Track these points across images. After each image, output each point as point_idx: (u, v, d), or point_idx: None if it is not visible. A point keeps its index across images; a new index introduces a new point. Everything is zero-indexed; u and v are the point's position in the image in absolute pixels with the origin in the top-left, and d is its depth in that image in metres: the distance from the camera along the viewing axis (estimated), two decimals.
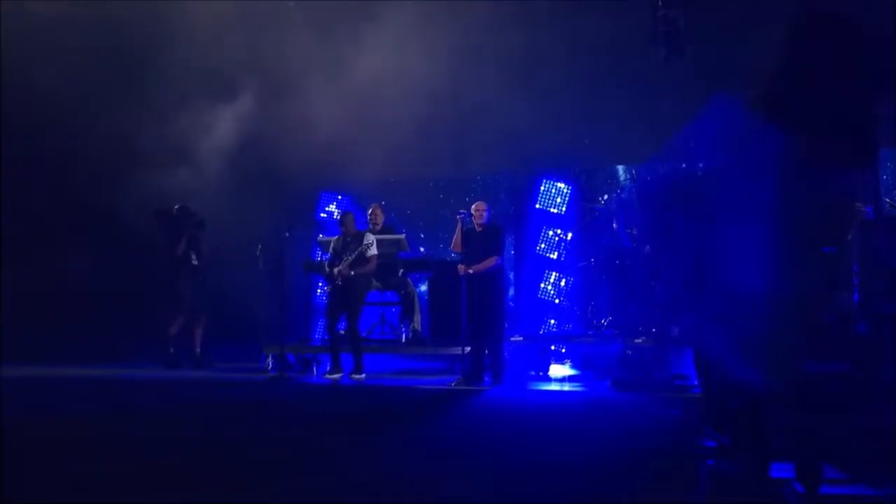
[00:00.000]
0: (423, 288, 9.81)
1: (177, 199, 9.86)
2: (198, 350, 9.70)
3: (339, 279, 8.24)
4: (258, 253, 9.08)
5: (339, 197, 11.01)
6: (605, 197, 10.07)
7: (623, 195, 9.90)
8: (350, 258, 8.21)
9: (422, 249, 11.12)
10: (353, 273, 8.21)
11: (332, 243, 8.62)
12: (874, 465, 3.60)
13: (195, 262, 9.70)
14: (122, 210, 10.01)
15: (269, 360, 9.04)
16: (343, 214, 8.59)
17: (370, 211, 9.41)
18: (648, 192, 7.22)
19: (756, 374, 3.66)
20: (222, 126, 10.30)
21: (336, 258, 8.40)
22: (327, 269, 8.40)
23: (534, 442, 5.00)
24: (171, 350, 9.53)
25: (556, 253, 9.96)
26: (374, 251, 8.32)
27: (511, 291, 10.09)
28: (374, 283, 9.02)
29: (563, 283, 9.80)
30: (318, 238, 9.91)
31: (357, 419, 6.03)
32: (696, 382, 6.87)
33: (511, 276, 10.24)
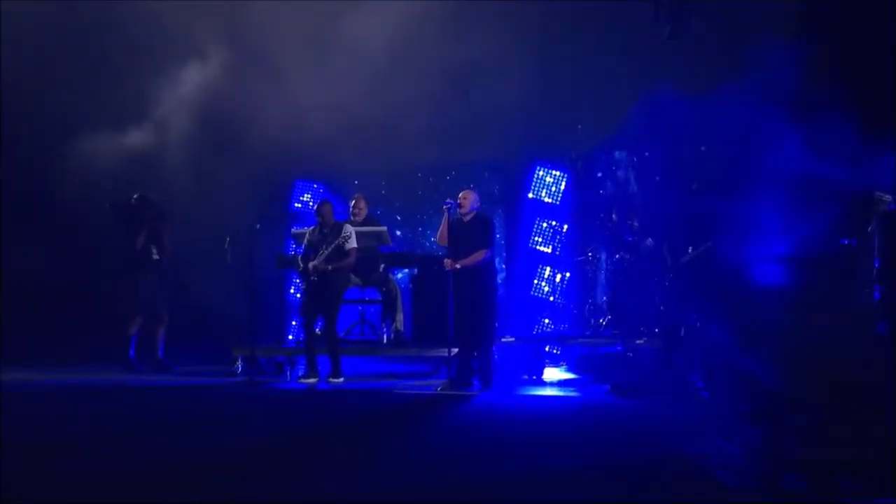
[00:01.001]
0: (402, 278, 9.76)
1: (135, 189, 9.74)
2: (159, 353, 9.61)
3: (315, 275, 8.18)
4: (226, 246, 9.01)
5: (316, 185, 10.95)
6: (605, 185, 10.07)
7: (623, 183, 9.90)
8: (326, 252, 8.15)
9: (398, 233, 11.08)
10: (329, 268, 8.15)
11: (306, 235, 8.55)
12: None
13: (156, 257, 9.60)
14: (75, 200, 9.89)
15: (239, 364, 8.98)
16: (320, 204, 8.53)
17: (353, 201, 9.36)
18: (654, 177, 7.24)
19: (771, 376, 3.65)
20: (186, 102, 10.16)
21: (311, 251, 8.34)
22: (301, 264, 8.34)
23: (526, 452, 4.97)
24: (130, 353, 9.44)
25: (550, 246, 9.93)
26: (353, 244, 8.26)
27: (501, 287, 10.06)
28: (354, 279, 8.97)
29: (558, 280, 9.78)
30: (292, 231, 9.85)
31: (334, 427, 5.99)
32: (702, 386, 6.90)
33: (502, 271, 10.21)
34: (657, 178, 9.52)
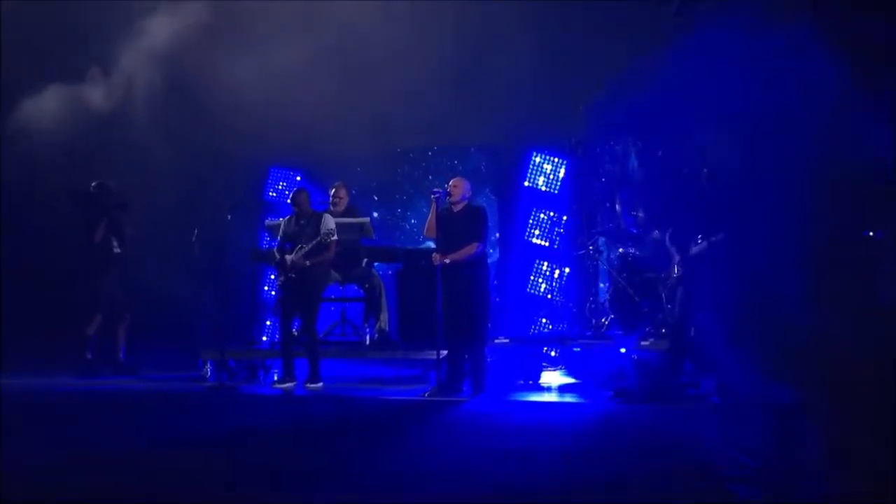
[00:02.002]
0: (386, 273, 9.73)
1: (94, 176, 9.64)
2: (120, 355, 9.59)
3: (293, 270, 8.13)
4: (194, 239, 8.98)
5: (292, 173, 10.90)
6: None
7: (628, 171, 9.89)
8: (307, 248, 8.10)
9: (375, 214, 11.06)
10: (308, 263, 8.10)
11: (281, 226, 8.50)
12: None
13: (117, 251, 9.56)
14: (20, 185, 9.79)
15: (208, 367, 8.95)
16: (296, 192, 8.49)
17: (333, 190, 9.34)
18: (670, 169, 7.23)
19: (791, 380, 3.64)
20: (147, 76, 10.06)
21: (287, 244, 8.28)
22: (277, 258, 8.28)
23: (521, 463, 4.95)
24: (89, 355, 9.39)
25: (548, 239, 9.93)
26: (334, 237, 8.23)
27: (495, 283, 10.04)
28: (334, 274, 8.94)
29: (556, 276, 9.77)
30: (266, 222, 9.81)
31: (312, 437, 5.96)
32: (712, 391, 6.90)
33: (495, 266, 10.20)
34: (664, 165, 9.51)
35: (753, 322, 4.09)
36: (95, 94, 10.16)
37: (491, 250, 9.91)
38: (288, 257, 8.18)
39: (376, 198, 11.38)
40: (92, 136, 9.91)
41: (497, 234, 10.46)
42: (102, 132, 9.96)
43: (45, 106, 10.05)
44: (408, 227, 11.35)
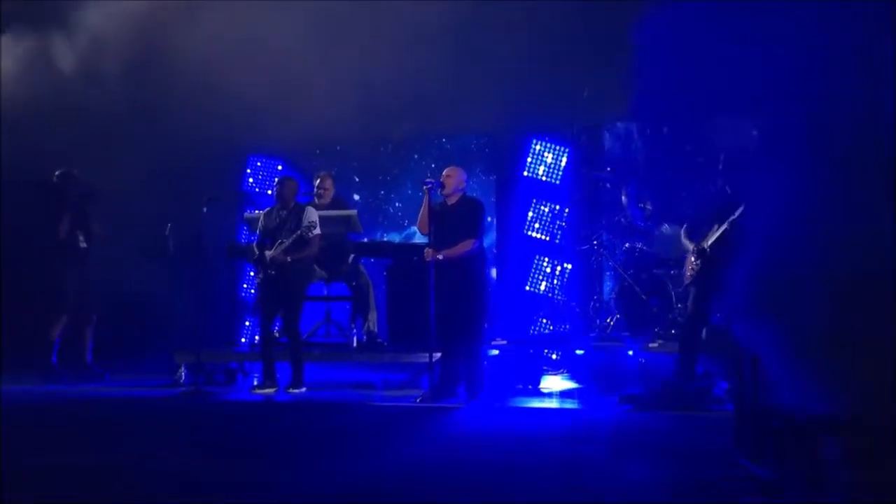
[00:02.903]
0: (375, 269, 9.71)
1: (57, 164, 9.60)
2: (87, 358, 9.54)
3: (272, 267, 8.11)
4: (167, 233, 8.96)
5: (272, 162, 10.88)
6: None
7: (635, 160, 9.90)
8: (287, 243, 8.08)
9: (357, 197, 11.04)
10: (289, 259, 8.08)
11: (260, 219, 8.47)
12: None
13: (83, 246, 9.51)
14: None
15: (182, 371, 8.94)
16: (280, 181, 8.46)
17: (317, 180, 9.33)
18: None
19: (815, 385, 3.62)
20: (114, 47, 9.98)
21: (267, 238, 8.26)
22: (256, 253, 8.26)
23: (520, 473, 4.94)
24: (52, 358, 9.35)
25: (548, 234, 9.92)
26: (317, 231, 8.21)
27: (492, 281, 10.04)
28: (318, 271, 8.93)
29: (558, 273, 9.77)
30: (245, 214, 9.80)
31: (295, 445, 5.95)
32: (725, 397, 6.90)
33: (492, 262, 10.19)
34: (675, 153, 9.51)
35: (774, 321, 4.06)
36: (57, 54, 10.06)
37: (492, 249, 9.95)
38: (267, 253, 8.15)
39: (357, 179, 11.36)
40: (53, 116, 9.81)
41: (494, 231, 10.44)
42: (63, 108, 9.85)
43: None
44: (392, 210, 11.33)
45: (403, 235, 11.15)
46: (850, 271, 3.74)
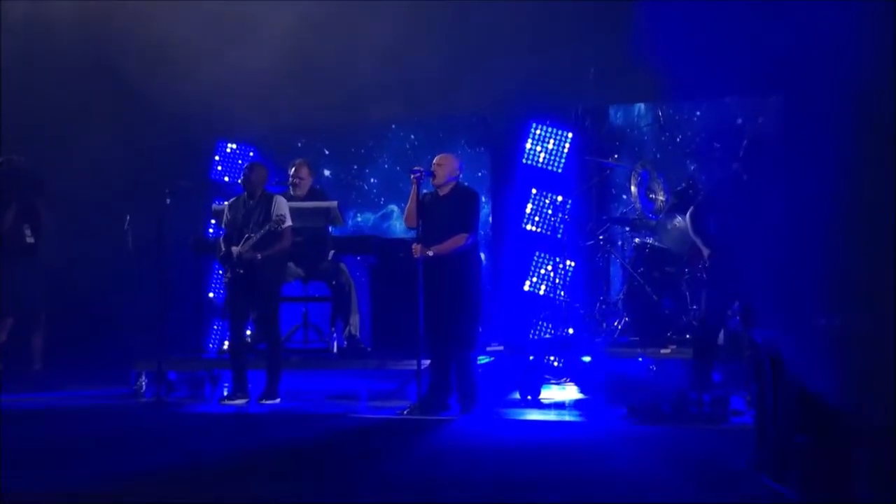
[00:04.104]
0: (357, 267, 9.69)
1: None
2: (37, 365, 9.55)
3: (241, 265, 8.09)
4: (126, 227, 8.93)
5: (241, 147, 10.85)
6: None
7: (646, 145, 9.91)
8: (255, 237, 8.06)
9: (327, 173, 11.02)
10: (259, 256, 8.07)
11: (225, 210, 8.44)
12: None
13: (30, 241, 9.52)
14: None
15: (143, 380, 8.94)
16: (248, 168, 8.44)
17: (293, 168, 9.33)
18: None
19: (841, 397, 3.63)
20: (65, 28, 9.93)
21: (234, 232, 8.24)
22: (223, 249, 8.24)
23: (519, 494, 4.93)
24: None
25: (550, 228, 9.93)
26: (288, 222, 8.19)
27: (487, 280, 10.04)
28: (294, 269, 8.92)
29: (560, 271, 9.78)
30: (214, 206, 9.79)
31: (268, 463, 5.93)
32: (745, 409, 6.92)
33: (488, 259, 10.20)
34: (691, 138, 9.54)
35: (798, 325, 4.07)
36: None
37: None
38: (234, 249, 8.13)
39: (327, 152, 11.34)
40: None
41: (490, 225, 10.45)
42: (6, 88, 9.81)
43: None
44: (366, 187, 11.30)
45: (379, 215, 11.11)
46: (881, 266, 3.75)
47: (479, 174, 10.72)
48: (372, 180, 11.24)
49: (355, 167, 11.29)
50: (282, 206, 8.24)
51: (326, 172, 11.07)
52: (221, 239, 8.40)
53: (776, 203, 6.34)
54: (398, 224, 11.03)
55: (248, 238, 8.11)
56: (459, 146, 10.61)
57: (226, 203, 8.66)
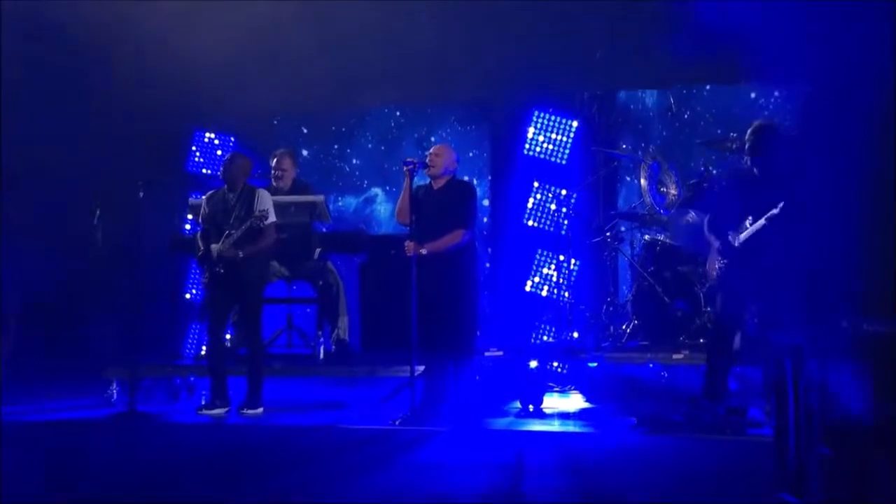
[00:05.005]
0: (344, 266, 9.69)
1: None
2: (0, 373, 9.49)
3: (221, 264, 8.09)
4: (95, 222, 8.91)
5: (220, 137, 10.84)
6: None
7: (656, 135, 9.91)
8: (236, 233, 8.06)
9: (305, 153, 11.00)
10: (240, 255, 8.07)
11: (203, 204, 8.44)
12: None
13: None
14: None
15: (114, 389, 8.92)
16: (228, 159, 8.43)
17: (274, 159, 9.33)
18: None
19: (876, 407, 3.63)
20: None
21: (213, 228, 8.23)
22: (201, 247, 8.24)
23: None
24: None
25: (553, 224, 9.92)
26: (272, 218, 8.19)
27: (485, 280, 10.04)
28: (278, 268, 8.93)
29: (564, 270, 9.77)
30: (190, 200, 9.77)
31: (249, 477, 5.92)
32: (763, 419, 6.92)
33: (486, 257, 10.20)
34: (706, 127, 9.55)
35: (819, 328, 4.07)
36: None
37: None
38: (213, 247, 8.13)
39: (305, 130, 11.31)
40: None
41: (487, 220, 10.46)
42: None
43: None
44: (347, 169, 11.27)
45: (362, 199, 11.09)
46: None
47: (471, 154, 10.71)
48: (354, 161, 11.21)
49: (336, 147, 11.26)
50: (265, 200, 8.23)
51: (304, 152, 11.02)
52: (199, 236, 8.38)
53: (797, 198, 6.35)
54: (382, 209, 11.03)
55: (229, 235, 8.10)
56: (450, 124, 10.60)
57: (203, 197, 8.65)
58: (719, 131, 9.86)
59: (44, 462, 6.53)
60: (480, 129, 10.94)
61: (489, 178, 10.89)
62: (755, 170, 7.29)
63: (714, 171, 9.30)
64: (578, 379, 8.87)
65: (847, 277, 3.96)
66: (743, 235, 7.21)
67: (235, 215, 8.17)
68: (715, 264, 7.42)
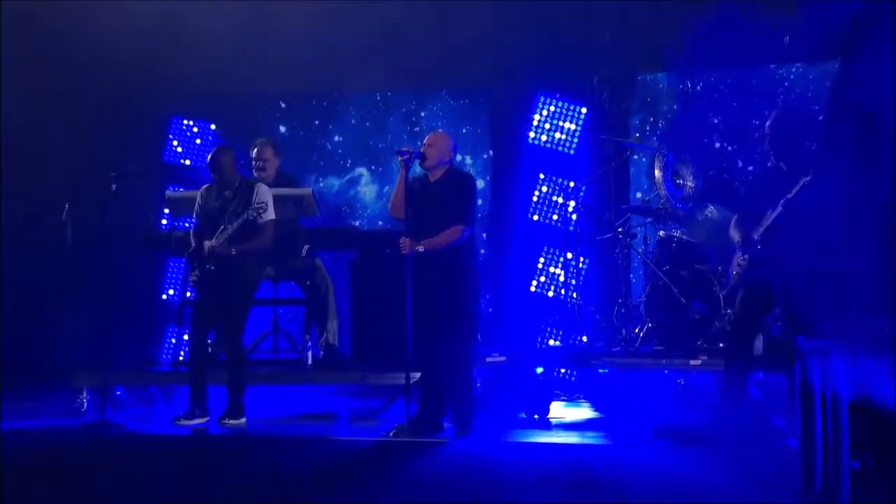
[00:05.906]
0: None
1: None
2: None
3: (211, 262, 8.09)
4: (64, 218, 8.89)
5: (199, 124, 10.84)
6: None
7: (671, 123, 9.92)
8: (230, 228, 8.06)
9: (283, 129, 11.01)
10: (234, 252, 8.06)
11: (197, 199, 8.45)
12: None
13: None
14: None
15: (84, 397, 8.90)
16: (213, 154, 8.43)
17: (255, 149, 9.34)
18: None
19: None
20: None
21: (207, 224, 8.23)
22: (193, 243, 8.25)
23: None
24: None
25: (560, 218, 9.92)
26: (270, 215, 8.19)
27: (486, 279, 10.05)
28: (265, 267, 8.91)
29: (572, 269, 9.77)
30: (167, 193, 9.78)
31: (231, 493, 5.97)
32: (788, 428, 6.91)
33: (488, 255, 10.20)
34: (723, 113, 9.54)
35: (844, 329, 4.07)
36: None
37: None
38: (207, 243, 8.12)
39: (283, 105, 11.29)
40: None
41: (486, 215, 10.46)
42: None
43: None
44: (329, 147, 11.24)
45: (346, 180, 11.05)
46: None
47: (464, 130, 10.69)
48: (336, 138, 11.15)
49: (316, 122, 11.21)
50: (265, 194, 8.25)
51: (282, 129, 10.97)
52: (192, 232, 8.40)
53: (824, 192, 6.34)
54: (368, 191, 10.99)
55: (224, 230, 8.11)
56: (441, 98, 10.57)
57: (193, 191, 8.66)
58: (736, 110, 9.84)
59: (8, 476, 6.50)
60: (476, 103, 10.90)
61: (485, 156, 10.88)
62: (782, 164, 7.29)
63: (739, 164, 9.31)
64: (588, 387, 8.87)
65: (881, 275, 3.96)
66: (761, 227, 7.21)
67: (232, 210, 8.17)
68: (737, 262, 7.41)
